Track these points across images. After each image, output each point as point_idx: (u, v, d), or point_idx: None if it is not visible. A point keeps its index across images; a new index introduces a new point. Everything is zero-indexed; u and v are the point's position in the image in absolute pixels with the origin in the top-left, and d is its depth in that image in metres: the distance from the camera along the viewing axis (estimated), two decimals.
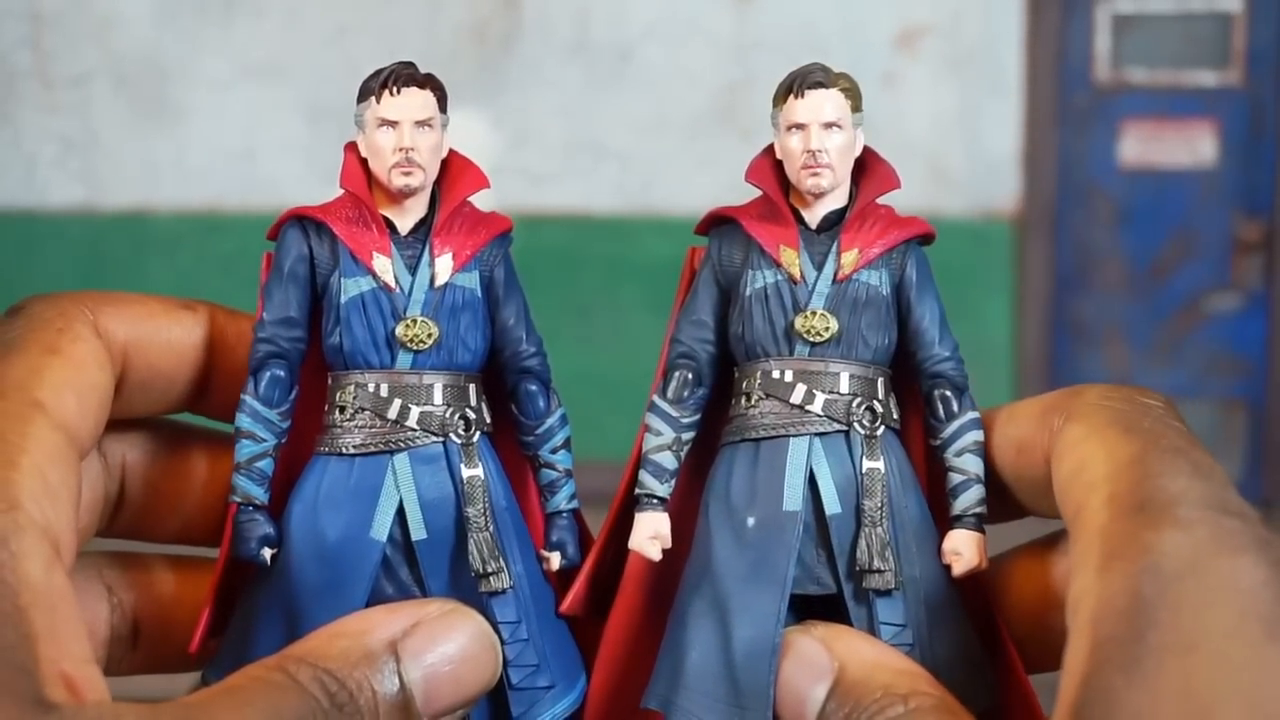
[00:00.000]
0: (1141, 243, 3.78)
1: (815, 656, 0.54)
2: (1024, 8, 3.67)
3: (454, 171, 0.62)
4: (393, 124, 0.59)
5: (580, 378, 3.35)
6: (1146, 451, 0.49)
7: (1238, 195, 3.74)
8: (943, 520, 0.60)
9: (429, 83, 0.60)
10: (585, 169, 3.70)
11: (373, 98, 0.60)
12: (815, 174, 0.60)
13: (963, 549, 0.59)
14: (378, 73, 0.60)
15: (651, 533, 0.60)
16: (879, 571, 0.57)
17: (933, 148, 3.65)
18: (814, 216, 0.61)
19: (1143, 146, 3.75)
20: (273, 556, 0.58)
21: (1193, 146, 3.74)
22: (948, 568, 0.59)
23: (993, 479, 0.60)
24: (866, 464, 0.59)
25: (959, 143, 3.68)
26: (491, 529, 0.58)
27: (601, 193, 3.70)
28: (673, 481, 0.61)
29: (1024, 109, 3.69)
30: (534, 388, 0.62)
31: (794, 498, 0.58)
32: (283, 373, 0.60)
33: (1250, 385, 3.79)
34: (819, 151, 0.60)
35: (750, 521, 0.58)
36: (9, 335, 0.53)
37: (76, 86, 3.69)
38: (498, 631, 0.58)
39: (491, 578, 0.58)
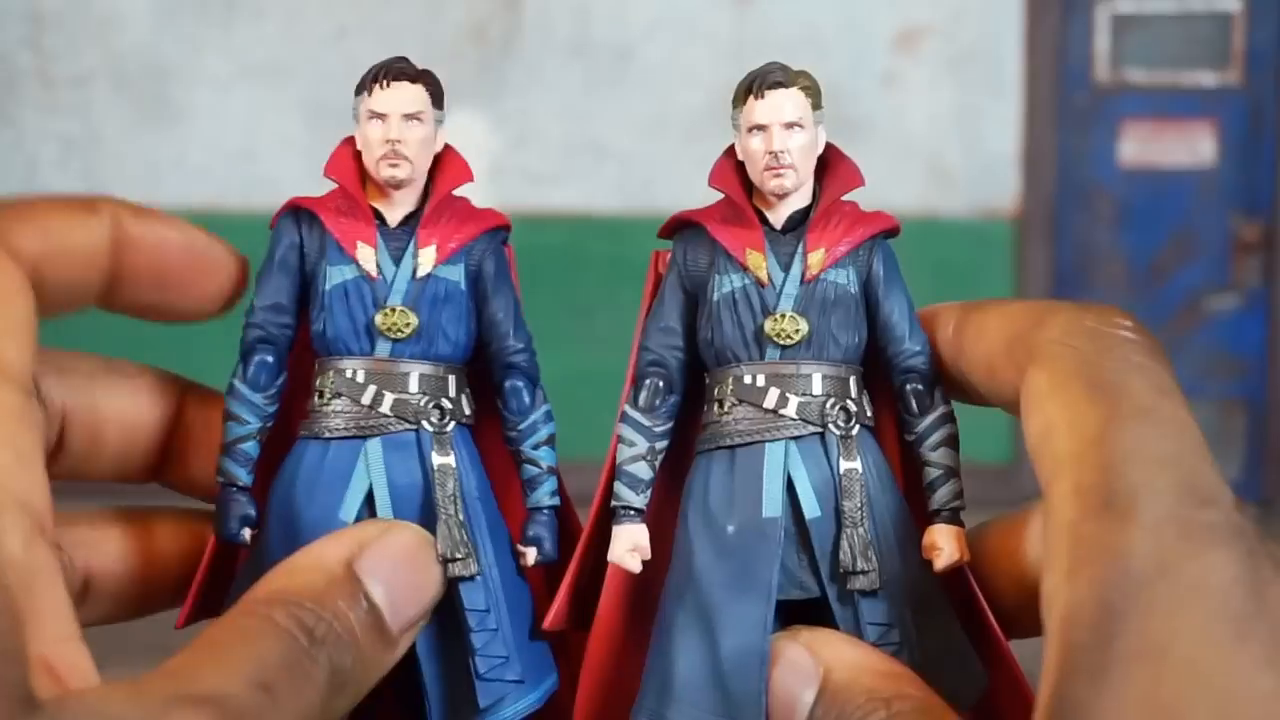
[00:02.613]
0: (1141, 243, 3.79)
1: (801, 662, 0.54)
2: (1024, 8, 3.67)
3: (445, 166, 0.62)
4: (381, 116, 0.60)
5: (580, 378, 3.35)
6: (1110, 422, 0.47)
7: (1237, 195, 3.75)
8: (918, 515, 0.60)
9: (421, 78, 0.61)
10: (585, 169, 3.70)
11: (365, 91, 0.61)
12: (778, 175, 0.59)
13: (943, 543, 0.58)
14: (372, 67, 0.61)
15: (630, 545, 0.59)
16: (863, 572, 0.57)
17: (932, 148, 3.65)
18: (778, 217, 0.61)
19: (1142, 146, 3.76)
20: (253, 537, 0.59)
21: (1192, 146, 3.74)
22: (929, 563, 0.59)
23: (969, 387, 0.59)
24: (844, 465, 0.58)
25: (959, 143, 3.68)
26: (461, 516, 0.59)
27: (601, 193, 3.70)
28: (648, 492, 0.60)
29: (1024, 109, 3.69)
30: (519, 383, 0.62)
31: (773, 504, 0.58)
32: (270, 358, 0.61)
33: (1250, 385, 3.79)
34: (781, 152, 0.59)
35: (730, 529, 0.58)
36: None
37: (77, 86, 3.69)
38: (464, 620, 0.58)
39: (458, 563, 0.58)
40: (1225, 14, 3.70)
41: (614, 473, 0.61)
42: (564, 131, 3.70)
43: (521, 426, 0.62)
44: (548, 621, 0.60)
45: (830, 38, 3.60)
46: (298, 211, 0.62)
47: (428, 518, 0.59)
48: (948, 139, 3.67)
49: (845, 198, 0.61)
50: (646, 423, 0.61)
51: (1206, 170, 3.75)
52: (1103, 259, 3.80)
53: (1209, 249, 3.77)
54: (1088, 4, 3.72)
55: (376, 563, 0.53)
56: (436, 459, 0.59)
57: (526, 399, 0.62)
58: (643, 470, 0.60)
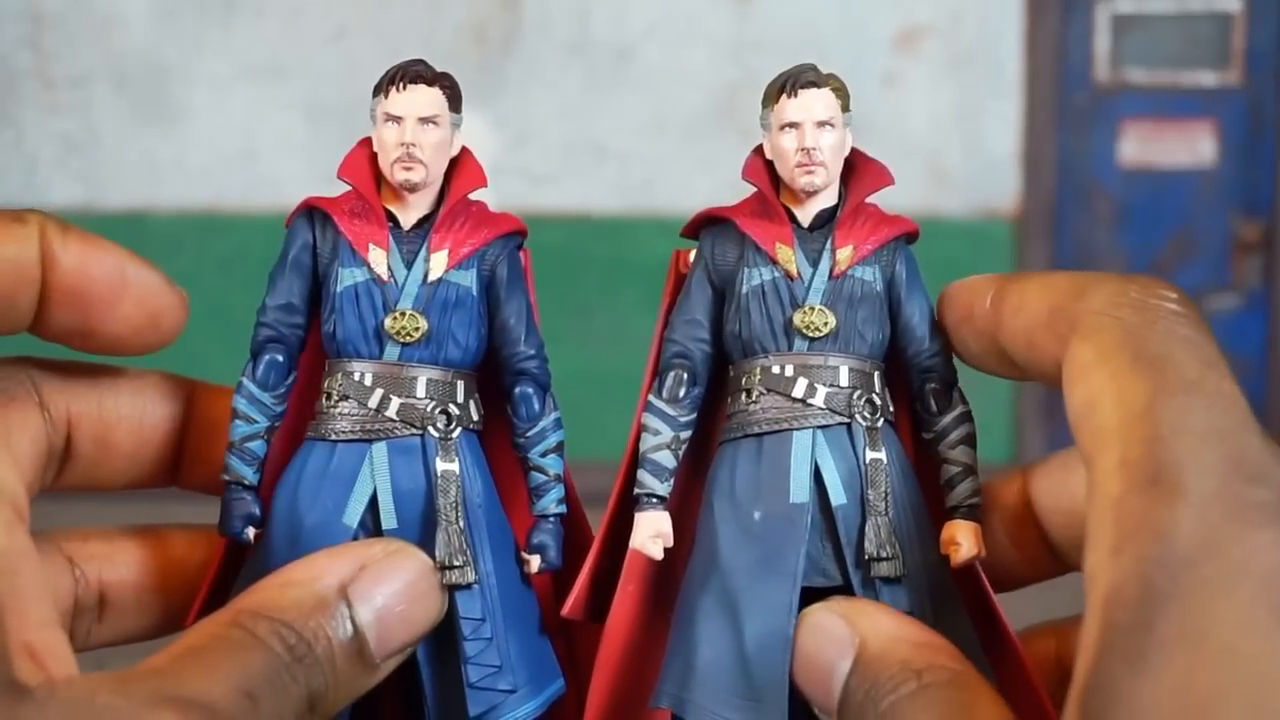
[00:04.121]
0: (1141, 243, 3.78)
1: (838, 630, 0.54)
2: (1024, 8, 3.67)
3: (462, 170, 0.62)
4: (396, 119, 0.60)
5: (580, 377, 3.35)
6: (1157, 395, 0.46)
7: (1237, 195, 3.75)
8: (933, 512, 0.61)
9: (438, 81, 0.61)
10: (585, 169, 3.70)
11: (382, 93, 0.61)
12: (810, 172, 0.61)
13: (961, 539, 0.60)
14: (390, 69, 0.61)
15: (653, 532, 0.60)
16: (886, 559, 0.58)
17: (932, 148, 3.65)
18: (806, 215, 0.62)
19: (1142, 146, 3.76)
20: (257, 537, 0.59)
21: (1192, 146, 3.74)
22: (945, 557, 0.60)
23: (1006, 360, 0.58)
24: (870, 455, 0.59)
25: (959, 143, 3.68)
26: (462, 524, 0.59)
27: (601, 193, 3.70)
28: (672, 480, 0.61)
29: (1024, 109, 3.69)
30: (529, 390, 0.62)
31: (801, 490, 0.59)
32: (281, 357, 0.61)
33: (1250, 385, 3.79)
34: (813, 150, 0.61)
35: (756, 515, 0.59)
36: None
37: (77, 86, 3.69)
38: (458, 628, 0.58)
39: (455, 571, 0.58)
40: (1225, 14, 3.70)
41: (635, 461, 0.61)
42: (563, 131, 3.70)
43: (530, 433, 0.62)
44: (566, 609, 0.60)
45: (830, 38, 3.60)
46: (312, 211, 0.62)
47: (430, 523, 0.59)
48: (948, 139, 3.67)
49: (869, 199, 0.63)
50: (671, 412, 0.62)
51: (1206, 170, 3.75)
52: (1103, 259, 3.79)
53: (1209, 249, 3.77)
54: (1088, 4, 3.72)
55: (372, 587, 0.53)
56: (440, 465, 0.59)
57: (536, 405, 0.62)
58: (666, 459, 0.61)
